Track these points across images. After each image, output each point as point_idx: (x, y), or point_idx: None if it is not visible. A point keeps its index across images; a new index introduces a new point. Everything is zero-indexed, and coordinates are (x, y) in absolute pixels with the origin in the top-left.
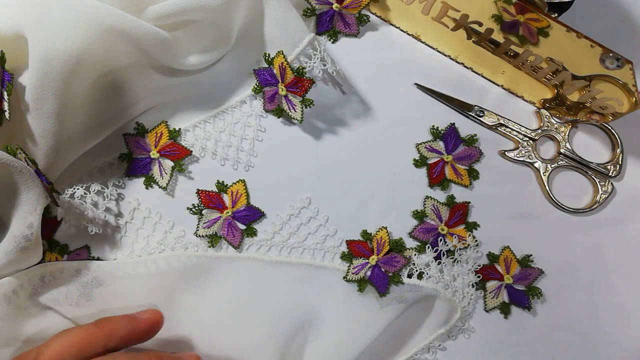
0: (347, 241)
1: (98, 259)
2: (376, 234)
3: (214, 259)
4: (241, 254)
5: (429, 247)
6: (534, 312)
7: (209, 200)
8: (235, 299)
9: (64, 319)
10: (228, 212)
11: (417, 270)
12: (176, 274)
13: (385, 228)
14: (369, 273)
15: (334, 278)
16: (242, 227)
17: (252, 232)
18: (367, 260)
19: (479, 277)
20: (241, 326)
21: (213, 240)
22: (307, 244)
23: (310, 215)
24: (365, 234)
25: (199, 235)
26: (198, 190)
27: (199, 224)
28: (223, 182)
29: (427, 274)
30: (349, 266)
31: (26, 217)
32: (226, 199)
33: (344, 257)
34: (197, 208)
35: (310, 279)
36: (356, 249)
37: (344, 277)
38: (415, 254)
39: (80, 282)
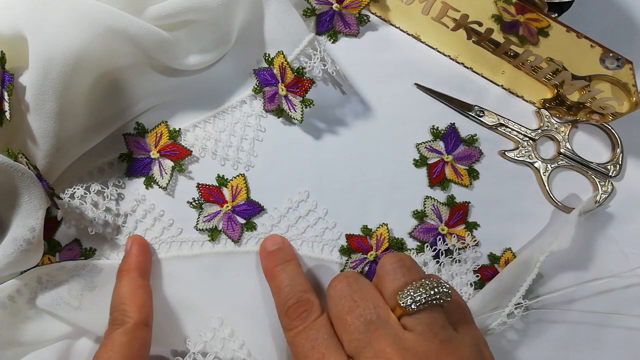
0: (347, 235)
1: (92, 250)
2: (376, 230)
3: (213, 255)
4: (240, 248)
5: (427, 247)
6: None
7: (209, 194)
8: (235, 293)
9: (63, 321)
10: (228, 206)
11: None
12: (175, 271)
13: (386, 225)
14: (366, 269)
15: (332, 271)
16: (242, 221)
17: (251, 227)
18: (365, 256)
19: (477, 276)
20: (242, 319)
21: (213, 233)
22: (306, 237)
23: (309, 209)
24: (365, 229)
25: (199, 229)
26: (198, 184)
27: (199, 218)
28: (223, 176)
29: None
30: (347, 260)
31: (28, 220)
32: (226, 192)
33: (342, 250)
34: (197, 202)
35: (309, 272)
36: (355, 244)
37: (342, 271)
38: (414, 253)
39: (78, 282)
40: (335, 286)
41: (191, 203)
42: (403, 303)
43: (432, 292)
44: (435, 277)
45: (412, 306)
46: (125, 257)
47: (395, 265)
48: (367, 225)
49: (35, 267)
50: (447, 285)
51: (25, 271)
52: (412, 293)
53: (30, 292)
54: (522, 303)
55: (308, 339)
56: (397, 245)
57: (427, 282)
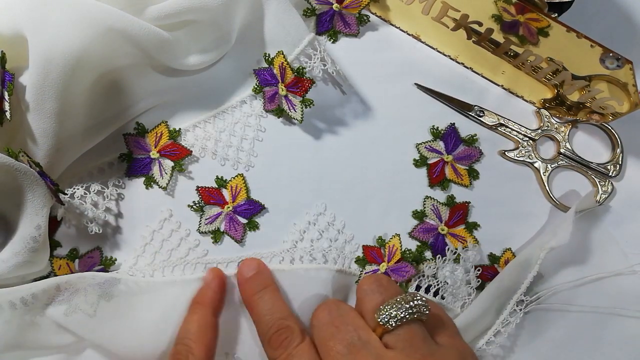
0: (363, 246)
1: (112, 259)
2: (389, 241)
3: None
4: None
5: (436, 256)
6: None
7: (209, 196)
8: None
9: (72, 335)
10: (229, 207)
11: (427, 284)
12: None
13: (398, 235)
14: None
15: (350, 282)
16: (244, 221)
17: (254, 226)
18: (377, 267)
19: (478, 280)
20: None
21: (216, 235)
22: (302, 247)
23: (315, 216)
24: (380, 240)
25: (202, 232)
26: (198, 187)
27: (200, 221)
28: (222, 177)
29: (434, 286)
30: (361, 272)
31: (33, 218)
32: (226, 193)
33: (358, 261)
34: (197, 205)
35: (320, 284)
36: (370, 255)
37: (356, 282)
38: (428, 267)
39: (95, 290)
40: (317, 316)
41: (192, 206)
42: (381, 321)
43: (408, 307)
44: (413, 293)
45: (391, 322)
46: (203, 290)
47: (373, 285)
48: (381, 237)
49: (54, 275)
50: (424, 299)
51: (41, 278)
52: (388, 309)
53: (47, 299)
54: (523, 300)
55: None
56: (409, 257)
57: (403, 297)
